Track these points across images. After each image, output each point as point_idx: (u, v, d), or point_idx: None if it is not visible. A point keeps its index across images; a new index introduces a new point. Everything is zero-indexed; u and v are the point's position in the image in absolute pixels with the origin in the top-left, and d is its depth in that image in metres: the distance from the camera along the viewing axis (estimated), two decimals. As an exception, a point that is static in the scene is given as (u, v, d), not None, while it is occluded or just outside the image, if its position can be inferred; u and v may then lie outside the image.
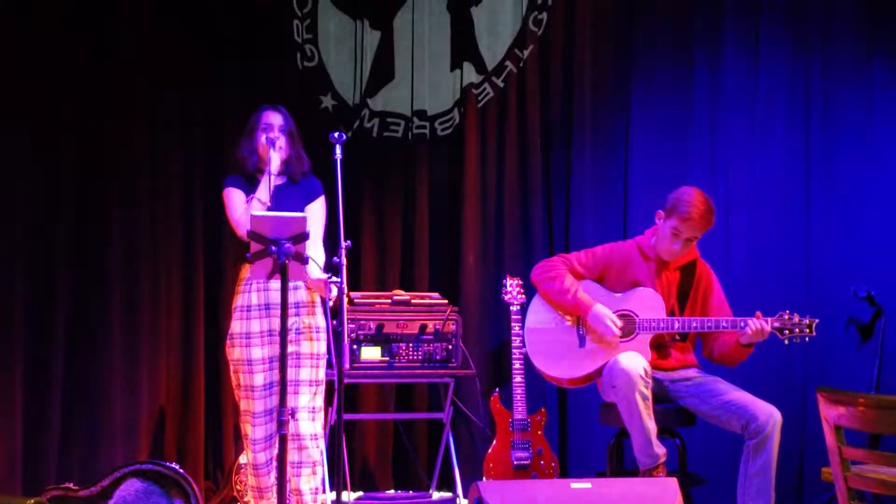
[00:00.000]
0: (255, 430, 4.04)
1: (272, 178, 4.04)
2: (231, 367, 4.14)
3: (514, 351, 4.80)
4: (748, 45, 5.11)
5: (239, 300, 4.11)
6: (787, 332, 4.11)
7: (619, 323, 4.24)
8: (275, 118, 4.20)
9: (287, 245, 3.45)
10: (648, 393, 4.04)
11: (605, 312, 4.26)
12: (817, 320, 4.12)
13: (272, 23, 5.40)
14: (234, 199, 4.14)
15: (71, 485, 3.71)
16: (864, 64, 4.95)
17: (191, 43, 5.17)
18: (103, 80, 4.93)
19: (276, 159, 4.09)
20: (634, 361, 4.06)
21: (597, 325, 4.26)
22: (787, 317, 4.12)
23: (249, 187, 4.13)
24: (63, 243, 4.79)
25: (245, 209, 4.04)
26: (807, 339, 4.12)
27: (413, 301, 4.93)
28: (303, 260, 3.52)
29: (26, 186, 4.71)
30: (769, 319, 4.11)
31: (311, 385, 4.05)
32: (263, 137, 4.11)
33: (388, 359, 4.80)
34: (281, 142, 4.15)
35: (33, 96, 4.74)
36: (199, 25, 5.19)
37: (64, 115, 4.82)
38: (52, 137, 4.78)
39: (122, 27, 4.98)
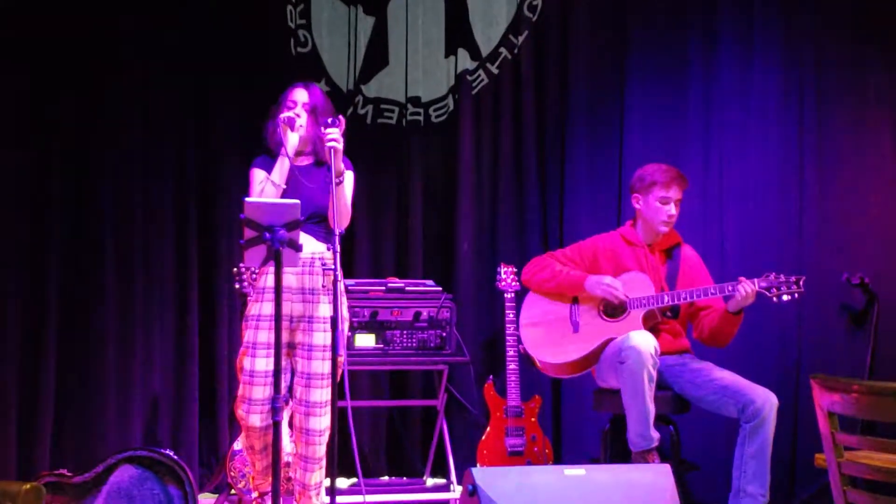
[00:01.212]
0: (250, 417, 3.92)
1: (288, 159, 3.91)
2: (241, 349, 4.01)
3: (507, 338, 4.80)
4: (743, 31, 5.10)
5: (259, 282, 4.00)
6: (774, 290, 4.11)
7: (619, 283, 4.26)
8: (300, 95, 4.05)
9: (281, 232, 3.42)
10: (655, 374, 4.05)
11: (600, 278, 4.31)
12: (804, 276, 4.13)
13: (265, 8, 5.37)
14: (256, 179, 4.01)
15: (65, 471, 3.70)
16: (857, 50, 4.94)
17: (182, 28, 5.15)
18: (96, 69, 4.91)
19: (292, 139, 3.96)
20: (646, 340, 4.07)
21: (596, 288, 4.30)
22: (773, 277, 4.13)
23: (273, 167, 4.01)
24: (56, 230, 4.78)
25: (260, 190, 3.93)
26: (796, 295, 4.11)
27: (407, 288, 4.92)
28: (297, 247, 3.50)
29: (19, 175, 4.70)
30: (755, 280, 4.13)
31: (322, 379, 3.90)
32: (281, 117, 3.97)
33: (382, 346, 4.80)
34: (302, 120, 4.00)
35: (23, 91, 4.72)
36: (190, 9, 5.17)
37: (60, 106, 4.81)
38: (45, 129, 4.78)
39: (112, 14, 4.96)
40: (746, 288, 4.11)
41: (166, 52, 5.09)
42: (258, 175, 4.00)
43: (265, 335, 3.87)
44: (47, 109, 4.78)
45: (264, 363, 3.86)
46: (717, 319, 4.27)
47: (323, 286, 3.94)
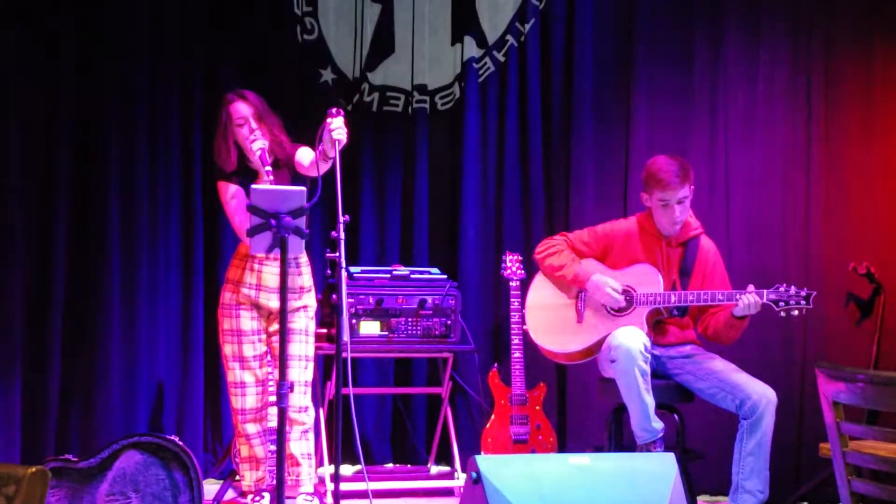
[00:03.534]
0: (246, 399, 4.17)
1: (269, 184, 3.99)
2: (220, 338, 4.22)
3: (512, 326, 4.81)
4: (749, 18, 5.08)
5: (231, 273, 4.20)
6: (782, 303, 4.05)
7: (620, 289, 4.23)
8: (243, 109, 4.14)
9: (287, 219, 3.44)
10: (647, 368, 4.04)
11: (604, 280, 4.25)
12: (815, 292, 4.07)
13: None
14: (228, 192, 4.15)
15: (70, 456, 3.70)
16: (865, 38, 4.92)
17: (187, 14, 5.13)
18: (100, 53, 4.91)
19: (269, 166, 4.04)
20: (634, 337, 4.05)
21: (596, 293, 4.25)
22: (783, 289, 4.07)
23: (241, 178, 4.15)
24: (61, 215, 4.78)
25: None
26: (804, 311, 4.06)
27: (412, 276, 4.92)
28: (302, 234, 3.51)
29: (23, 157, 4.70)
30: (765, 292, 4.08)
31: (300, 360, 4.13)
32: (256, 154, 4.02)
33: (386, 333, 4.80)
34: (259, 133, 4.09)
35: (27, 79, 4.73)
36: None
37: (61, 90, 4.81)
38: (49, 114, 4.78)
39: (119, 3, 4.96)
40: (750, 299, 4.04)
41: (171, 38, 5.08)
42: (229, 188, 4.16)
43: (247, 323, 4.15)
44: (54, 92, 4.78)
45: (251, 349, 4.17)
46: (722, 320, 4.23)
47: (300, 286, 4.15)
